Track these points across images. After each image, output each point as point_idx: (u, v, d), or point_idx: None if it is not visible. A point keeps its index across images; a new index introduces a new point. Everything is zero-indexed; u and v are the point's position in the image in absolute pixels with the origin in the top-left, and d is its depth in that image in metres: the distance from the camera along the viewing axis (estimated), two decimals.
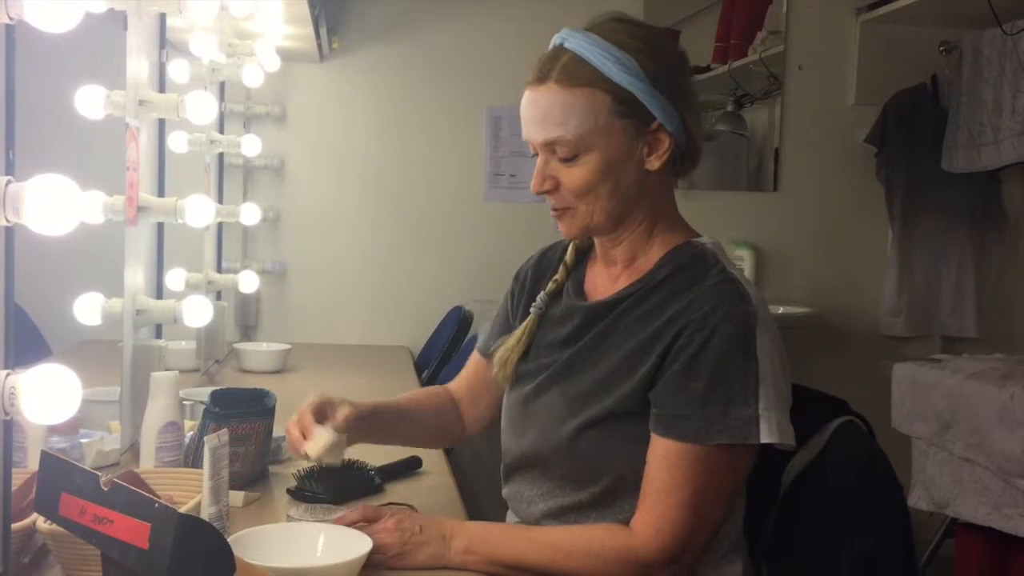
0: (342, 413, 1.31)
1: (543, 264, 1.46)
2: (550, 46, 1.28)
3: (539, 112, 1.24)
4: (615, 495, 1.23)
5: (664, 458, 1.17)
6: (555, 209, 1.29)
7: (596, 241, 1.37)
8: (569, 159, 1.23)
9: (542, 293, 1.39)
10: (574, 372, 1.29)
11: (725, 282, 1.23)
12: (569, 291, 1.38)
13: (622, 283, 1.31)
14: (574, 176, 1.24)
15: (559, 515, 1.28)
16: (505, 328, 1.46)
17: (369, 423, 1.36)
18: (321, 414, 1.31)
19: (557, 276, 1.40)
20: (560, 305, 1.38)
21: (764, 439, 1.15)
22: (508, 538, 1.21)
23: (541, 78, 1.24)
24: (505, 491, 1.40)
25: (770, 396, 1.16)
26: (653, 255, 1.30)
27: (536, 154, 1.28)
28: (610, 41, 1.23)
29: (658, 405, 1.20)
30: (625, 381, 1.23)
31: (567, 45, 1.24)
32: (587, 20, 1.29)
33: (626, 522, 1.20)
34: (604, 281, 1.35)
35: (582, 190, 1.24)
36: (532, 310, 1.38)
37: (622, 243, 1.31)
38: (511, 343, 1.38)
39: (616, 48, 1.22)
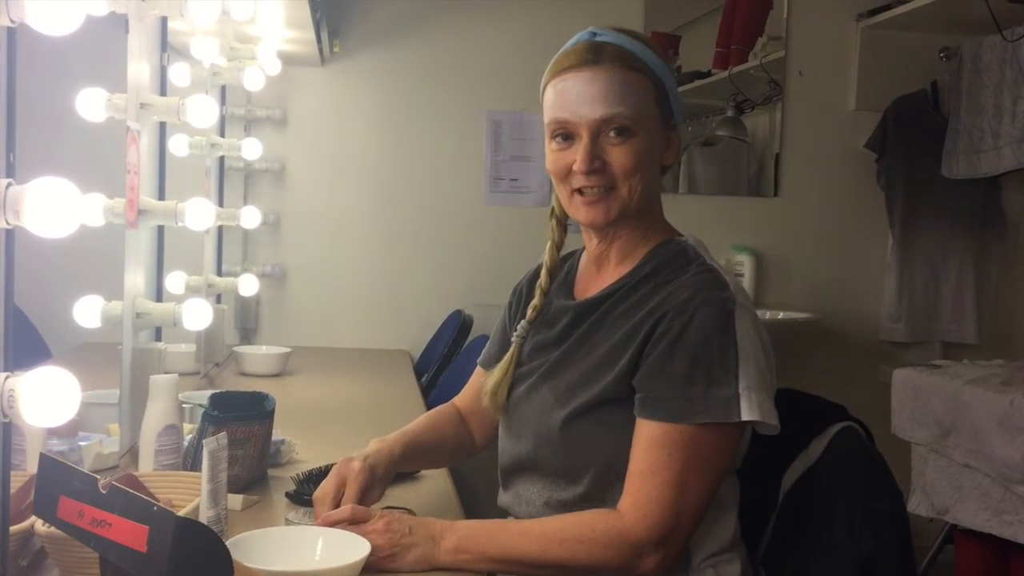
0: (372, 501, 1.33)
1: (535, 280, 1.48)
2: (574, 41, 1.30)
3: (597, 89, 1.25)
4: (607, 485, 1.25)
5: (649, 440, 1.19)
6: (593, 190, 1.28)
7: (591, 243, 1.38)
8: (622, 137, 1.26)
9: (523, 321, 1.41)
10: (563, 368, 1.32)
11: (704, 272, 1.26)
12: (560, 295, 1.41)
13: (608, 279, 1.35)
14: (623, 154, 1.26)
15: (558, 510, 1.29)
16: (504, 342, 1.48)
17: (400, 468, 1.41)
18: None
19: (535, 302, 1.42)
20: (551, 309, 1.40)
21: (745, 417, 1.17)
22: (499, 533, 1.22)
23: (594, 60, 1.26)
24: (503, 498, 1.40)
25: (750, 376, 1.18)
26: (640, 253, 1.34)
27: (563, 134, 1.28)
28: (639, 40, 1.29)
29: (642, 389, 1.22)
30: (610, 370, 1.25)
31: (603, 39, 1.28)
32: (570, 32, 1.33)
33: None
34: (592, 279, 1.38)
35: (630, 169, 1.26)
36: (513, 339, 1.41)
37: (621, 237, 1.34)
38: (497, 376, 1.40)
39: (647, 46, 1.28)
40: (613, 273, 1.35)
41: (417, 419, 1.54)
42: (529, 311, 1.42)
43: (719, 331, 1.19)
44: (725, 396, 1.17)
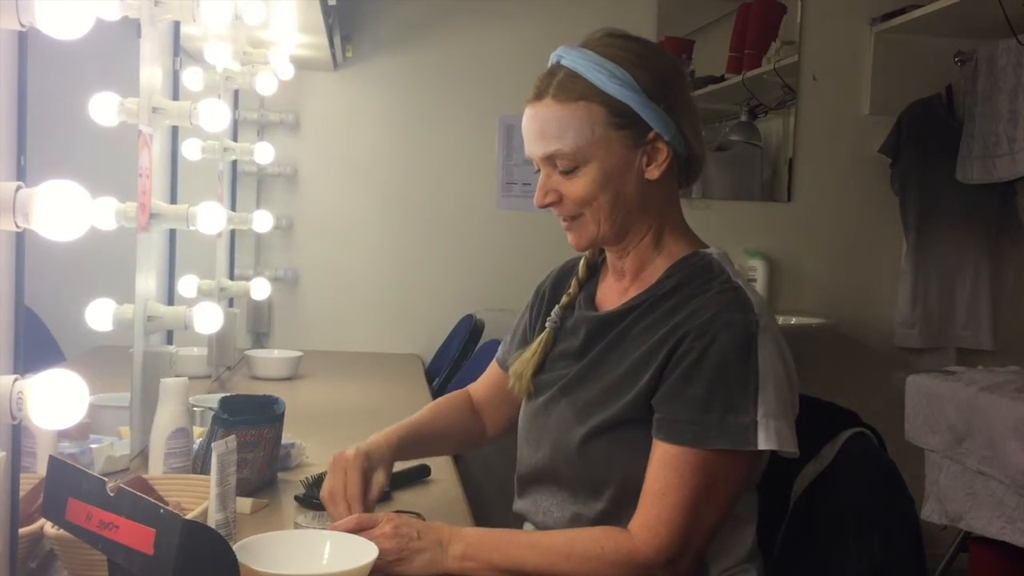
0: (378, 486, 1.33)
1: (562, 278, 1.49)
2: (548, 64, 1.31)
3: (537, 127, 1.27)
4: (628, 503, 1.23)
5: (663, 461, 1.18)
6: (564, 221, 1.32)
7: (607, 254, 1.38)
8: (568, 171, 1.26)
9: (556, 307, 1.41)
10: (583, 383, 1.31)
11: (728, 291, 1.24)
12: (581, 304, 1.40)
13: (631, 294, 1.33)
14: (575, 187, 1.27)
15: (580, 524, 1.28)
16: (523, 341, 1.48)
17: (400, 455, 1.42)
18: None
19: (570, 290, 1.42)
20: (573, 317, 1.40)
21: (762, 446, 1.16)
22: (506, 543, 1.21)
23: (538, 95, 1.28)
24: (519, 504, 1.40)
25: (770, 403, 1.17)
26: (660, 266, 1.32)
27: (539, 170, 1.30)
28: (603, 55, 1.26)
29: (659, 410, 1.21)
30: (630, 389, 1.24)
31: (563, 62, 1.28)
32: (583, 36, 1.32)
33: None
34: (614, 293, 1.37)
35: (583, 201, 1.27)
36: (547, 324, 1.41)
37: (629, 254, 1.33)
38: (527, 356, 1.40)
39: (609, 61, 1.25)
40: (633, 286, 1.34)
41: (424, 407, 1.54)
42: (564, 297, 1.42)
43: (739, 356, 1.18)
44: (742, 423, 1.16)
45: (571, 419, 1.29)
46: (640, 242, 1.32)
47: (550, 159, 1.27)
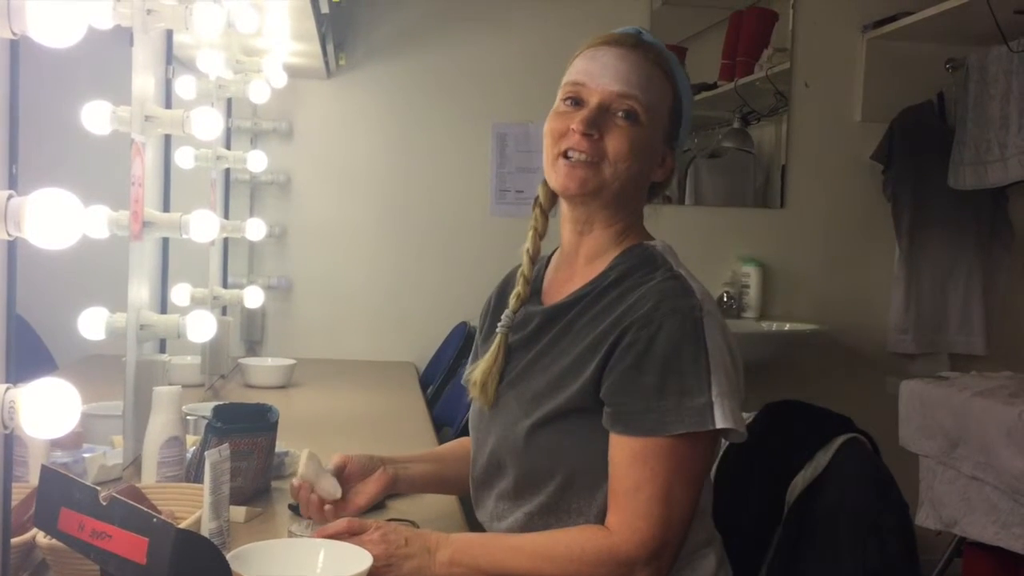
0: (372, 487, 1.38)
1: (505, 286, 1.45)
2: (619, 31, 1.31)
3: (625, 68, 1.26)
4: (569, 495, 1.23)
5: (628, 456, 1.18)
6: (581, 155, 1.25)
7: (565, 233, 1.35)
8: (628, 120, 1.25)
9: (507, 310, 1.36)
10: (528, 376, 1.29)
11: (669, 279, 1.24)
12: (528, 300, 1.37)
13: (575, 284, 1.31)
14: (621, 137, 1.24)
15: (526, 524, 1.27)
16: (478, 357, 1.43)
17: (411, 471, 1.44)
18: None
19: (518, 289, 1.37)
20: (521, 312, 1.36)
21: (720, 424, 1.15)
22: (491, 547, 1.21)
23: (632, 44, 1.28)
24: (479, 513, 1.39)
25: (722, 383, 1.17)
26: (609, 255, 1.30)
27: (573, 99, 1.27)
28: (674, 59, 1.32)
29: (612, 403, 1.20)
30: (575, 380, 1.23)
31: (645, 38, 1.30)
32: (575, 44, 1.33)
33: (586, 521, 1.22)
34: (560, 283, 1.35)
35: (623, 152, 1.24)
36: (499, 329, 1.35)
37: (592, 235, 1.31)
38: (487, 364, 1.34)
39: (679, 66, 1.31)
40: (581, 274, 1.31)
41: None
42: (512, 299, 1.36)
43: (689, 340, 1.18)
44: (699, 404, 1.16)
45: (518, 411, 1.28)
46: (610, 226, 1.30)
47: (620, 98, 1.24)
